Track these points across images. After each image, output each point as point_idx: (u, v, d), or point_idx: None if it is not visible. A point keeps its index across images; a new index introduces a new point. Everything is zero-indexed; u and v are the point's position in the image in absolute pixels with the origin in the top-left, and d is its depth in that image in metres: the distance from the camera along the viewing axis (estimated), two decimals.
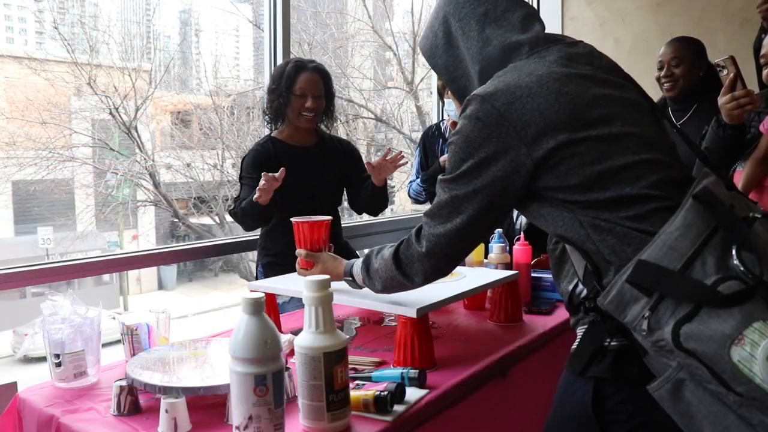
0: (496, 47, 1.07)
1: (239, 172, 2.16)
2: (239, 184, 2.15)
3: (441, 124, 2.69)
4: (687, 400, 0.85)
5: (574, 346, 1.03)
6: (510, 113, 0.97)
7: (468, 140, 1.00)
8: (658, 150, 1.00)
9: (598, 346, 0.98)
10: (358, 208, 2.32)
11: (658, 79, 2.26)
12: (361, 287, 1.27)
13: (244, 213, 2.03)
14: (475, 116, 1.00)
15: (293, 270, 2.00)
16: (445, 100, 2.56)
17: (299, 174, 2.08)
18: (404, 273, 1.12)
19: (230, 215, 2.11)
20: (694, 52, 2.24)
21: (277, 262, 2.09)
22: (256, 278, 2.16)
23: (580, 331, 1.03)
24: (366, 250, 1.36)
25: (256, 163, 2.10)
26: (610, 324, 0.95)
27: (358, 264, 1.26)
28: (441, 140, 2.62)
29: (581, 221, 0.97)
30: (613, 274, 0.94)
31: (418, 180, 2.61)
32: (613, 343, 0.97)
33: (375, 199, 2.21)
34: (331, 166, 2.21)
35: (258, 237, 2.26)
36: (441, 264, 1.10)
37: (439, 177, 1.07)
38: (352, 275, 1.29)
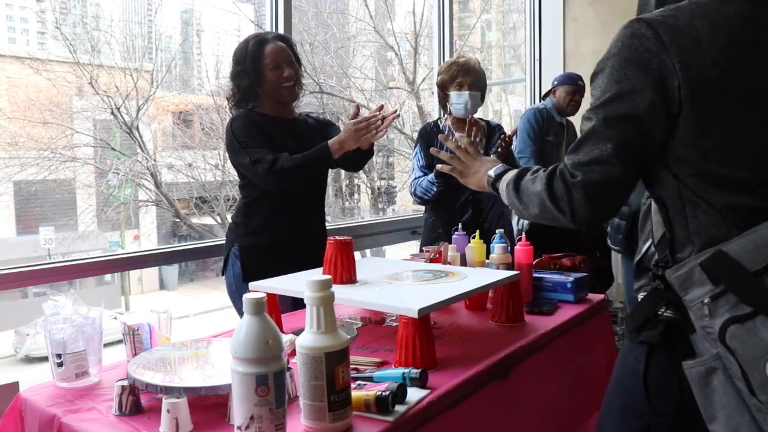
0: None
1: (235, 140, 1.96)
2: (245, 152, 1.93)
3: (439, 121, 2.67)
4: (713, 387, 0.88)
5: (631, 308, 1.05)
6: (672, 46, 0.90)
7: (626, 62, 0.93)
8: None
9: (652, 314, 1.01)
10: (342, 165, 2.20)
11: None
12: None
13: (304, 166, 1.88)
14: (633, 36, 0.93)
15: (273, 253, 1.97)
16: (450, 93, 2.53)
17: (286, 143, 2.00)
18: (559, 208, 1.01)
19: (267, 173, 1.90)
20: None
21: (255, 243, 2.02)
22: (225, 261, 2.07)
23: (640, 296, 1.06)
24: (368, 251, 1.35)
25: (251, 124, 1.98)
26: (672, 296, 0.96)
27: (503, 184, 1.18)
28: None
29: (681, 192, 0.94)
30: (689, 251, 0.93)
31: (429, 177, 2.47)
32: (666, 314, 0.99)
33: (359, 156, 2.07)
34: (315, 136, 2.10)
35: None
36: (597, 196, 0.97)
37: (587, 109, 0.99)
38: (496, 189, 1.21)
